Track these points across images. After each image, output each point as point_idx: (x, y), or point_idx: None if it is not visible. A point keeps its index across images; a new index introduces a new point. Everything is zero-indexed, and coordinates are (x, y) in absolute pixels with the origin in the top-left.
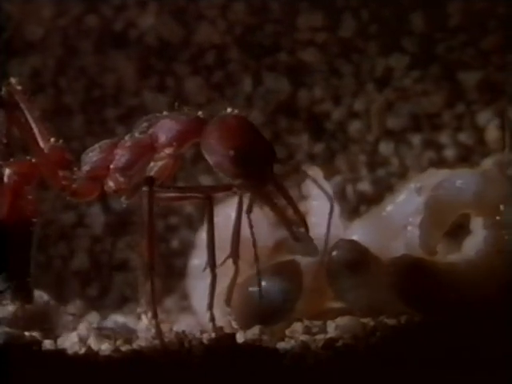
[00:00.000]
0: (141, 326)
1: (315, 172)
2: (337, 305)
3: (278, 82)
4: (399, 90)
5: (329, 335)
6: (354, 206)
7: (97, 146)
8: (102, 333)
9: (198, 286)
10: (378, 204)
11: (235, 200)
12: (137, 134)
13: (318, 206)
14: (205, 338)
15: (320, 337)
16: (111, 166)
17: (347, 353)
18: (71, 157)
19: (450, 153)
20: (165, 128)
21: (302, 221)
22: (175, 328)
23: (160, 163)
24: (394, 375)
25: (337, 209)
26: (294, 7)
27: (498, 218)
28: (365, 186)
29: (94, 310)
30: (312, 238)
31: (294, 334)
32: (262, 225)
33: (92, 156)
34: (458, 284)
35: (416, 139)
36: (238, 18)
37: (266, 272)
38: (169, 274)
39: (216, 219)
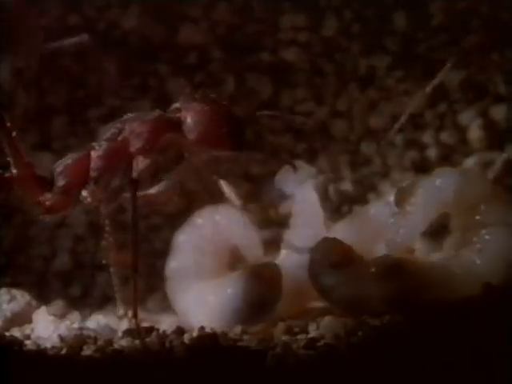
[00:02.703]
0: (122, 326)
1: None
2: (318, 304)
3: (261, 81)
4: (382, 89)
5: (310, 335)
6: (336, 206)
7: (66, 160)
8: (83, 333)
9: (178, 287)
10: (361, 204)
11: (223, 206)
12: (106, 143)
13: (302, 208)
14: (186, 338)
15: (301, 337)
16: (90, 177)
17: (329, 352)
18: (42, 174)
19: (432, 152)
20: (135, 132)
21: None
22: (156, 328)
23: (141, 166)
24: (376, 375)
25: (321, 213)
26: (276, 7)
27: (478, 217)
28: (347, 186)
29: (75, 310)
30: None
31: (276, 334)
32: (245, 225)
33: (65, 170)
34: (439, 284)
35: (398, 139)
36: (220, 18)
37: (246, 273)
38: (151, 274)
39: (201, 222)
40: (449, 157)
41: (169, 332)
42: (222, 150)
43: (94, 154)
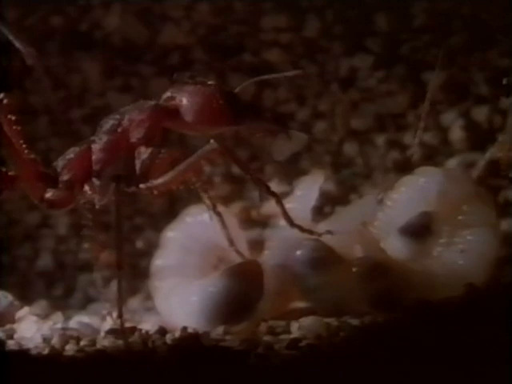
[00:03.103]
0: (105, 326)
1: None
2: (301, 305)
3: (243, 82)
4: (364, 90)
5: (292, 335)
6: (318, 207)
7: (67, 155)
8: (66, 333)
9: (161, 286)
10: (343, 204)
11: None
12: (106, 135)
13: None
14: (168, 338)
15: (284, 337)
16: (93, 170)
17: (311, 353)
18: (45, 169)
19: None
20: (135, 122)
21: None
22: (139, 328)
23: (143, 157)
24: (358, 375)
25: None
26: (258, 8)
27: (460, 218)
28: (329, 187)
29: (58, 310)
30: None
31: (258, 334)
32: (232, 225)
33: (67, 165)
34: (421, 284)
35: (380, 139)
36: (202, 18)
37: (228, 272)
38: (134, 274)
39: (189, 220)
40: (431, 157)
41: (151, 332)
42: (223, 125)
43: (94, 147)
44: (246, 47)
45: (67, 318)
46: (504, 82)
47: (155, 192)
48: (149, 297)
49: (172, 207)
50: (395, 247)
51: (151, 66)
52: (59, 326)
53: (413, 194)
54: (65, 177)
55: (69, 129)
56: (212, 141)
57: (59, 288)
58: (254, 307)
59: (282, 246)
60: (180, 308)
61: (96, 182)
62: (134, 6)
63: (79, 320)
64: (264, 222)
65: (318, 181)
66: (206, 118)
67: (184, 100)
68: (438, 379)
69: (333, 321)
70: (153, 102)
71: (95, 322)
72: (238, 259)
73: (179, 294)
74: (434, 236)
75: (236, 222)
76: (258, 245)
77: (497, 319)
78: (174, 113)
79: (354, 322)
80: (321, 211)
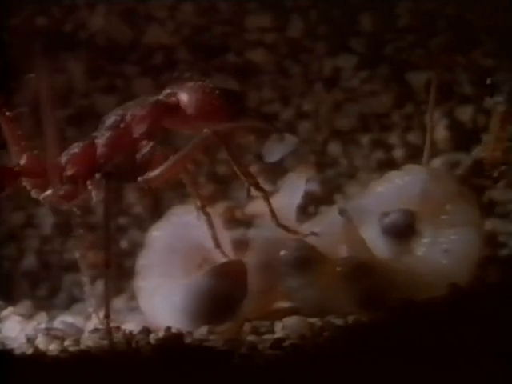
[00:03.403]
0: (89, 326)
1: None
2: (285, 305)
3: (227, 82)
4: (348, 90)
5: (276, 335)
6: (302, 207)
7: (71, 150)
8: (50, 333)
9: (145, 286)
10: (327, 204)
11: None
12: (109, 131)
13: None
14: (152, 338)
15: (267, 337)
16: (97, 165)
17: (294, 353)
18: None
19: (398, 153)
20: (137, 117)
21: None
22: (123, 328)
23: (144, 151)
24: (341, 374)
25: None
26: (242, 8)
27: (444, 217)
28: (314, 187)
29: (42, 310)
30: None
31: (242, 334)
32: (217, 225)
33: (72, 160)
34: (405, 284)
35: (364, 139)
36: (186, 18)
37: (212, 272)
38: (118, 274)
39: (175, 220)
40: (415, 157)
41: (135, 332)
42: (221, 121)
43: (98, 142)
44: (230, 47)
45: (51, 318)
46: (488, 81)
47: (152, 184)
48: (133, 297)
49: (156, 207)
50: (379, 247)
51: (135, 66)
52: (43, 326)
53: (396, 189)
54: (69, 172)
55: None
56: (206, 129)
57: (43, 288)
58: (238, 307)
59: (266, 245)
60: (164, 308)
61: (99, 177)
62: (118, 7)
63: (63, 320)
64: (248, 222)
65: (302, 178)
66: (205, 116)
67: (184, 97)
68: (422, 379)
69: (316, 321)
70: (154, 98)
71: (79, 322)
72: (222, 259)
73: (163, 294)
74: (418, 235)
75: (220, 222)
76: (242, 244)
77: (481, 319)
78: (174, 109)
79: (338, 321)
80: (305, 211)
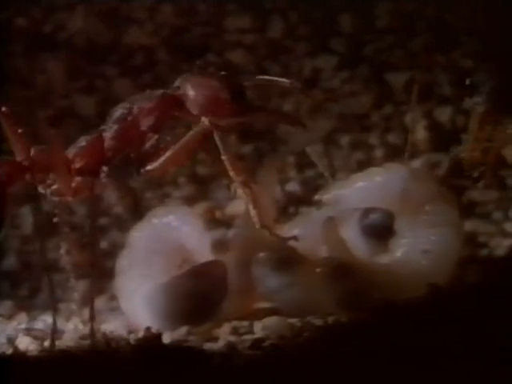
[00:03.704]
0: (69, 326)
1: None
2: (264, 305)
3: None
4: (327, 90)
5: (256, 335)
6: (282, 207)
7: (79, 143)
8: (30, 333)
9: (125, 287)
10: (307, 205)
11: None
12: (117, 124)
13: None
14: (132, 338)
15: (247, 337)
16: (106, 158)
17: (274, 353)
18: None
19: (378, 153)
20: (145, 110)
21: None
22: (103, 328)
23: (150, 143)
24: (321, 375)
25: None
26: (222, 9)
27: (423, 218)
28: (293, 187)
29: (23, 310)
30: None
31: (221, 335)
32: (197, 226)
33: (80, 153)
34: (384, 284)
35: (344, 140)
36: (166, 19)
37: (191, 272)
38: (99, 274)
39: (155, 221)
40: (395, 158)
41: (115, 332)
42: (227, 117)
43: (105, 135)
44: (210, 48)
45: (32, 319)
46: (467, 82)
47: (153, 175)
48: (113, 297)
49: (137, 208)
50: (359, 247)
51: (115, 67)
52: (24, 326)
53: (376, 186)
54: (77, 165)
55: (33, 130)
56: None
57: (24, 288)
58: (218, 307)
59: (246, 246)
60: (144, 308)
61: (107, 170)
62: (97, 7)
63: (44, 320)
64: (228, 223)
65: (273, 173)
66: (211, 111)
67: (190, 92)
68: (402, 379)
69: (296, 321)
70: (161, 91)
71: (60, 322)
72: (202, 260)
73: (143, 294)
74: (398, 236)
75: (200, 223)
76: (222, 245)
77: (460, 319)
78: (181, 103)
79: (318, 322)
80: (285, 211)
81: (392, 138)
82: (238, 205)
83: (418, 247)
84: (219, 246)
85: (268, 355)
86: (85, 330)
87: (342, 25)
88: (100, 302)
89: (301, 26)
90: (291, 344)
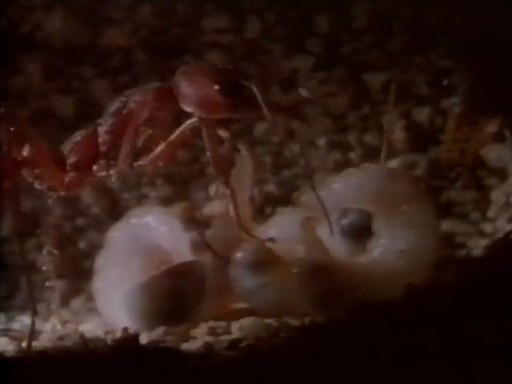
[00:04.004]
0: (47, 327)
1: None
2: (242, 305)
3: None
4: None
5: (233, 336)
6: (259, 207)
7: (74, 138)
8: (8, 334)
9: (103, 287)
10: (284, 205)
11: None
12: (112, 117)
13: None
14: (109, 339)
15: (224, 337)
16: (100, 152)
17: (251, 353)
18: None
19: (355, 154)
20: (140, 103)
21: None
22: (81, 329)
23: (143, 137)
24: (297, 376)
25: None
26: (199, 9)
27: (401, 218)
28: (271, 188)
29: (1, 311)
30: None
31: (199, 335)
32: (175, 226)
33: (74, 148)
34: (361, 285)
35: (322, 141)
36: (143, 20)
37: (169, 272)
38: (76, 275)
39: (134, 221)
40: (372, 158)
41: (93, 333)
42: (219, 113)
43: (100, 129)
44: (188, 48)
45: (10, 319)
46: (444, 83)
47: (146, 170)
48: (91, 297)
49: (114, 208)
50: (337, 247)
51: (93, 68)
52: (1, 327)
53: (353, 187)
54: (72, 159)
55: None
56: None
57: (2, 289)
58: (195, 308)
59: (224, 246)
60: (121, 308)
61: (104, 163)
62: (75, 8)
63: (21, 321)
64: (206, 223)
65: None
66: (202, 106)
67: (182, 87)
68: (379, 379)
69: (273, 321)
70: (158, 84)
71: (37, 323)
72: (180, 260)
73: (120, 295)
74: (375, 236)
75: (178, 223)
76: (199, 245)
77: (437, 319)
78: (175, 96)
79: (295, 322)
80: (262, 212)
81: (369, 138)
82: (216, 205)
83: (396, 247)
84: (197, 246)
85: (245, 356)
86: (62, 330)
87: (319, 25)
88: (77, 303)
89: (277, 27)
90: (268, 344)
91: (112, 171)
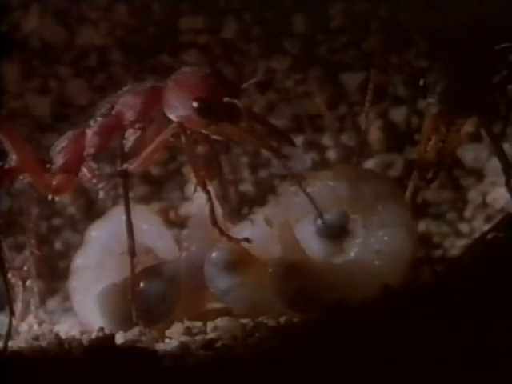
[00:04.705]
0: (22, 327)
1: None
2: (217, 305)
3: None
4: (281, 91)
5: (208, 336)
6: (236, 208)
7: (63, 139)
8: None
9: (78, 287)
10: (261, 205)
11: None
12: (100, 118)
13: (200, 210)
14: (84, 339)
15: (199, 337)
16: (84, 155)
17: (226, 353)
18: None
19: (332, 154)
20: (128, 104)
21: (286, 138)
22: (56, 329)
23: (132, 138)
24: (273, 376)
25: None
26: (175, 9)
27: (375, 218)
28: (247, 187)
29: None
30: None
31: (174, 335)
32: (158, 226)
33: (62, 150)
34: (337, 285)
35: (298, 140)
36: (119, 19)
37: (144, 272)
38: (52, 275)
39: (113, 220)
40: (349, 158)
41: (68, 333)
42: (196, 128)
43: (89, 130)
44: (164, 48)
45: None
46: (421, 83)
47: (131, 172)
48: (67, 297)
49: (90, 208)
50: (313, 247)
51: (69, 68)
52: None
53: (327, 189)
54: (60, 161)
55: None
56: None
57: None
58: (171, 308)
59: (199, 247)
60: (97, 308)
61: (93, 165)
62: (51, 7)
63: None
64: (182, 223)
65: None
66: (180, 118)
67: (168, 91)
68: (354, 379)
69: (248, 321)
70: (149, 84)
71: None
72: (155, 261)
73: (96, 295)
74: (351, 236)
75: (161, 220)
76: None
77: (413, 320)
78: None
79: (270, 322)
80: (238, 212)
81: (346, 138)
82: (192, 205)
83: (371, 247)
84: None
85: (220, 355)
86: (38, 330)
87: (296, 25)
88: (53, 303)
89: (254, 27)
90: (243, 344)
91: (101, 178)
